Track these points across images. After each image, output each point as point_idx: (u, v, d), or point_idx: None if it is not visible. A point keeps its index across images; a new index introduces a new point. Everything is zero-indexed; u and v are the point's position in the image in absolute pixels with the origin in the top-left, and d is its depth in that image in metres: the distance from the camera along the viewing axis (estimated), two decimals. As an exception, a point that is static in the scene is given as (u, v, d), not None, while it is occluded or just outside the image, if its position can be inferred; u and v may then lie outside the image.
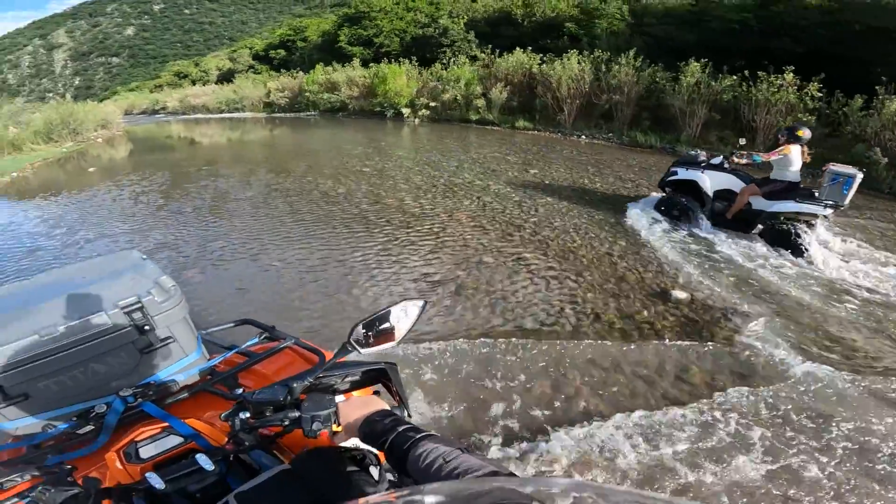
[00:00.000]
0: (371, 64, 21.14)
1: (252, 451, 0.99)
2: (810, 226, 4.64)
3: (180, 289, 1.17)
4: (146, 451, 0.94)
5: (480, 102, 15.99)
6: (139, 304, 1.07)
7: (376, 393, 1.17)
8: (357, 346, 0.95)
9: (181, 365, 1.19)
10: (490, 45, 17.97)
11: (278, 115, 24.54)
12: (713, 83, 11.13)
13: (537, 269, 4.47)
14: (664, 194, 5.74)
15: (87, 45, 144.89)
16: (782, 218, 4.72)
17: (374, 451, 0.90)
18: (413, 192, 7.18)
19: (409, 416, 0.95)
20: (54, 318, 1.01)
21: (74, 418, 1.06)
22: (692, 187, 5.31)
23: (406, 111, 17.90)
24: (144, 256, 1.29)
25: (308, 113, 23.31)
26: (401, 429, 0.73)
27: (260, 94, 26.26)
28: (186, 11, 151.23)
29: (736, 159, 4.99)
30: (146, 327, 1.09)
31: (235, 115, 26.56)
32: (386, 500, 0.38)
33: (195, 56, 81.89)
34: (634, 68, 12.55)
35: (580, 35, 18.20)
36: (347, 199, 6.90)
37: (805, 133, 4.57)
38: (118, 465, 0.92)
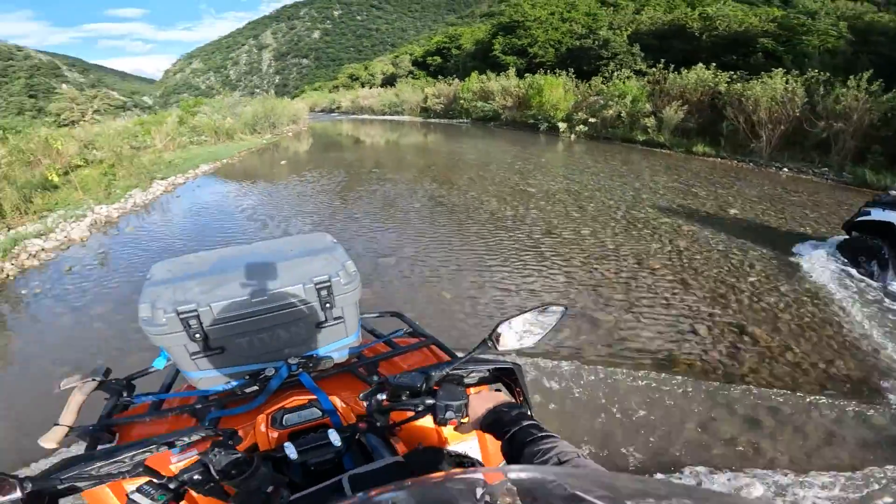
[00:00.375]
0: (526, 74, 20.88)
1: (371, 438, 1.02)
2: None
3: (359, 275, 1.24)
4: (289, 419, 1.00)
5: (649, 122, 14.49)
6: (328, 283, 1.14)
7: (497, 391, 1.18)
8: (496, 344, 0.97)
9: (340, 344, 1.25)
10: (662, 60, 16.43)
11: (433, 119, 26.07)
12: None
13: (768, 351, 3.52)
14: (849, 236, 5.02)
15: (285, 46, 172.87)
16: None
17: (483, 463, 0.96)
18: (589, 224, 6.55)
19: (532, 415, 0.91)
20: (261, 283, 1.11)
21: (247, 376, 1.15)
22: (888, 231, 4.50)
23: (562, 126, 17.24)
24: (335, 240, 1.36)
25: (461, 120, 24.16)
26: (525, 423, 0.74)
27: (418, 98, 28.15)
28: (359, 17, 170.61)
29: None
30: (328, 305, 1.16)
31: (395, 117, 28.93)
32: (475, 474, 0.40)
33: (364, 60, 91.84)
34: (867, 92, 10.11)
35: (780, 52, 15.54)
36: (517, 224, 6.56)
37: None
38: (263, 427, 0.99)
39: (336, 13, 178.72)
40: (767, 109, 11.49)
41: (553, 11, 27.81)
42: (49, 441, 1.03)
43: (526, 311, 0.99)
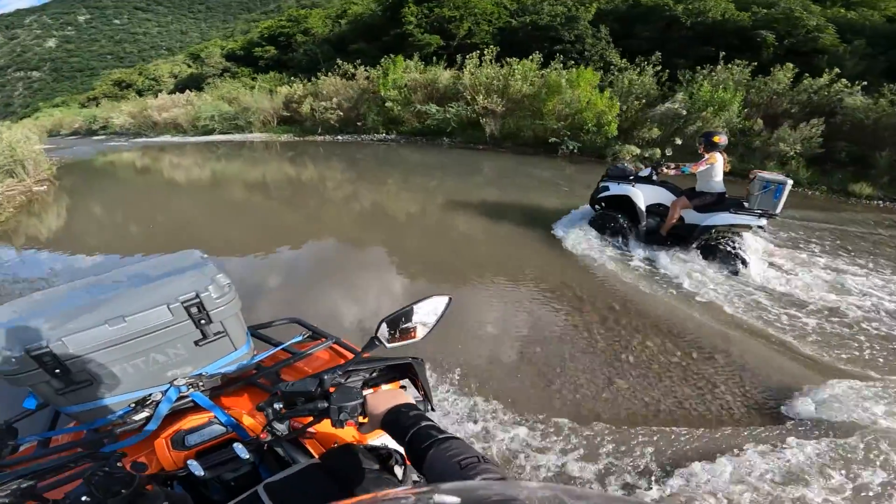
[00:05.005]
0: (505, 60, 12.98)
1: (284, 445, 1.01)
2: (739, 236, 4.44)
3: (234, 286, 1.19)
4: (191, 440, 1.01)
5: (786, 147, 8.52)
6: (197, 300, 1.11)
7: (403, 388, 1.15)
8: (383, 342, 1.00)
9: (230, 358, 1.22)
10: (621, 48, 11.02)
11: (318, 137, 15.57)
12: None
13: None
14: (596, 211, 5.36)
15: (3, 59, 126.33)
16: (714, 232, 4.51)
17: (401, 450, 0.91)
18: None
19: (433, 409, 0.93)
20: (123, 309, 1.06)
21: (132, 405, 1.11)
22: (625, 203, 4.97)
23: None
24: (205, 255, 1.33)
25: (376, 136, 14.65)
26: (423, 424, 0.73)
27: (271, 105, 17.13)
28: (116, 21, 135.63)
29: (665, 170, 4.71)
30: (202, 321, 1.13)
31: (236, 136, 17.23)
32: (405, 496, 0.41)
33: (131, 66, 69.69)
34: None
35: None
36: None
37: (722, 139, 4.39)
38: (165, 451, 1.00)
39: (82, 18, 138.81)
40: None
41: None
42: None
43: (408, 306, 0.99)
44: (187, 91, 22.70)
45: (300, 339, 1.47)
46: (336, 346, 1.41)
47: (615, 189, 4.96)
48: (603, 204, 5.22)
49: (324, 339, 1.42)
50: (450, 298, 1.03)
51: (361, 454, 0.91)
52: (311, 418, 0.90)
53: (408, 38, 18.33)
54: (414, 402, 0.86)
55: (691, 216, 4.60)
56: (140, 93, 37.73)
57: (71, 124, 31.63)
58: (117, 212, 8.26)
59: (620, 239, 5.02)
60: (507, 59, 12.79)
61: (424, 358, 1.14)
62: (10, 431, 1.15)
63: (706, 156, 4.33)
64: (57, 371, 1.01)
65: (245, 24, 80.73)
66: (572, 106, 10.84)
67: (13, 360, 0.98)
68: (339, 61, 16.16)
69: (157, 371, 1.13)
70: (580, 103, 10.72)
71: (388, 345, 1.00)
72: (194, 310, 1.11)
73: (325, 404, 0.86)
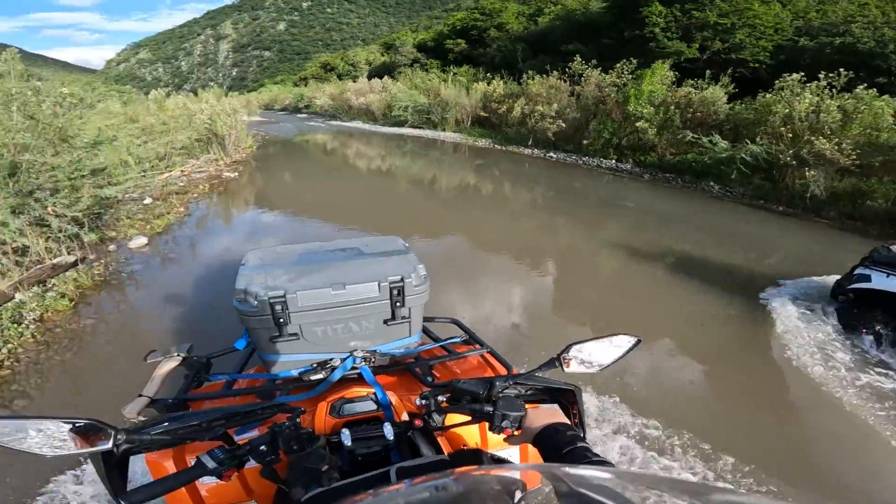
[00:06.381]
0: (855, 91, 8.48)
1: (418, 436, 1.01)
2: None
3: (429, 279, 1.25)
4: (347, 409, 1.04)
5: None
6: (401, 284, 1.21)
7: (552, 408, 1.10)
8: (563, 365, 1.00)
9: (403, 343, 1.32)
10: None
11: (520, 150, 12.78)
12: None
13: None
14: (840, 301, 4.04)
15: (246, 37, 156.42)
16: None
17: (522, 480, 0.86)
18: None
19: (585, 438, 0.80)
20: (344, 277, 1.20)
21: (314, 364, 1.24)
22: (888, 300, 3.60)
23: None
24: (407, 244, 1.45)
25: (604, 162, 11.18)
26: (579, 445, 0.73)
27: (469, 102, 15.02)
28: (329, 10, 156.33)
29: None
30: (398, 304, 1.22)
31: (427, 132, 15.71)
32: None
33: (334, 53, 78.33)
34: None
35: None
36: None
37: None
38: (323, 414, 1.04)
39: (305, 4, 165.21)
40: None
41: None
42: (131, 410, 1.09)
43: (599, 337, 0.99)
44: (386, 77, 22.45)
45: (458, 340, 1.51)
46: (488, 356, 1.43)
47: (881, 283, 3.66)
48: (852, 296, 3.90)
49: (478, 346, 1.46)
50: (638, 339, 1.00)
51: (488, 461, 0.92)
52: (467, 417, 0.91)
53: (648, 42, 14.37)
54: (571, 424, 0.85)
55: None
56: (340, 76, 41.10)
57: (283, 101, 35.51)
58: (295, 206, 6.78)
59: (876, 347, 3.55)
60: (856, 91, 8.20)
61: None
62: (207, 366, 1.35)
63: None
64: (281, 320, 1.13)
65: (428, 20, 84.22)
66: None
67: (256, 302, 1.11)
68: (548, 63, 13.25)
69: (346, 339, 1.24)
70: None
71: (565, 369, 1.00)
72: (395, 292, 1.20)
73: (490, 409, 0.86)
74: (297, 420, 0.84)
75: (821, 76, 8.43)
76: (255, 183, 8.74)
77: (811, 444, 2.52)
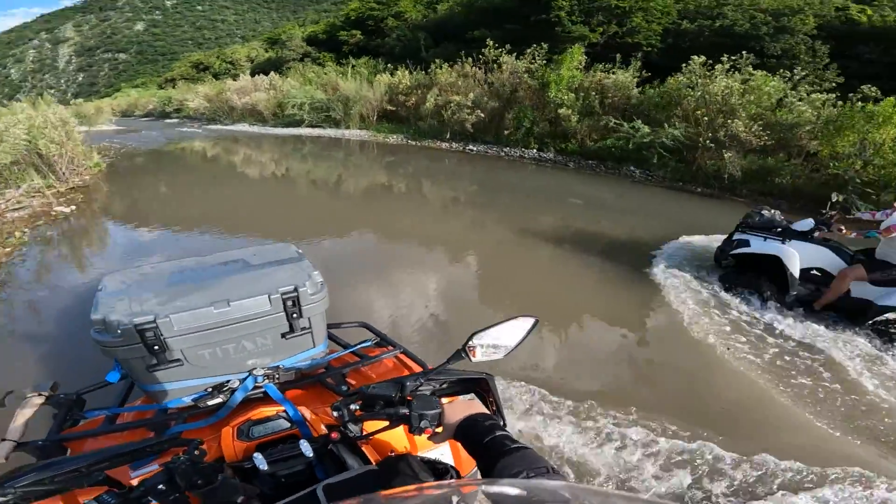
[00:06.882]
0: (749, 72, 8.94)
1: (341, 447, 0.97)
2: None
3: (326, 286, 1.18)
4: (256, 431, 0.98)
5: None
6: (295, 293, 1.11)
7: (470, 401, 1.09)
8: (469, 354, 0.97)
9: (308, 354, 1.23)
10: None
11: (437, 144, 11.70)
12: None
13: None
14: (725, 269, 4.33)
15: (94, 39, 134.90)
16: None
17: (455, 468, 0.96)
18: None
19: (505, 424, 0.86)
20: (228, 293, 1.07)
21: (209, 389, 1.12)
22: (767, 263, 3.89)
23: None
24: (300, 251, 1.35)
25: (526, 152, 10.68)
26: (498, 434, 0.73)
27: (374, 95, 13.57)
28: (199, 8, 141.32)
29: (840, 231, 3.75)
30: (294, 315, 1.13)
31: (329, 131, 13.82)
32: (448, 486, 0.39)
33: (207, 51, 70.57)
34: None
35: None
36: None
37: None
38: (230, 440, 0.96)
39: (169, 3, 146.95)
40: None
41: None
42: None
43: (498, 323, 0.97)
44: (272, 73, 19.78)
45: (369, 343, 1.46)
46: (402, 356, 1.40)
47: (759, 246, 3.96)
48: (733, 261, 4.24)
49: (391, 348, 1.42)
50: (536, 319, 1.00)
51: (419, 466, 0.88)
52: (385, 422, 0.88)
53: (554, 27, 14.18)
54: (489, 413, 0.85)
55: (863, 289, 3.55)
56: (216, 76, 36.42)
57: (145, 105, 30.51)
58: (170, 225, 5.32)
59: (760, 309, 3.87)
60: (752, 72, 8.57)
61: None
62: (79, 403, 1.17)
63: None
64: (156, 347, 1.01)
65: (315, 14, 79.90)
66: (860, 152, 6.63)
67: (119, 331, 0.98)
68: (454, 51, 12.39)
69: (241, 358, 1.13)
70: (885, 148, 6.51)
71: (472, 358, 0.97)
72: (290, 303, 1.11)
73: (406, 411, 0.82)
74: (196, 452, 0.75)
75: (724, 59, 8.67)
76: (105, 211, 6.43)
77: (684, 379, 2.84)
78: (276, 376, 1.16)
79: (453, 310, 3.60)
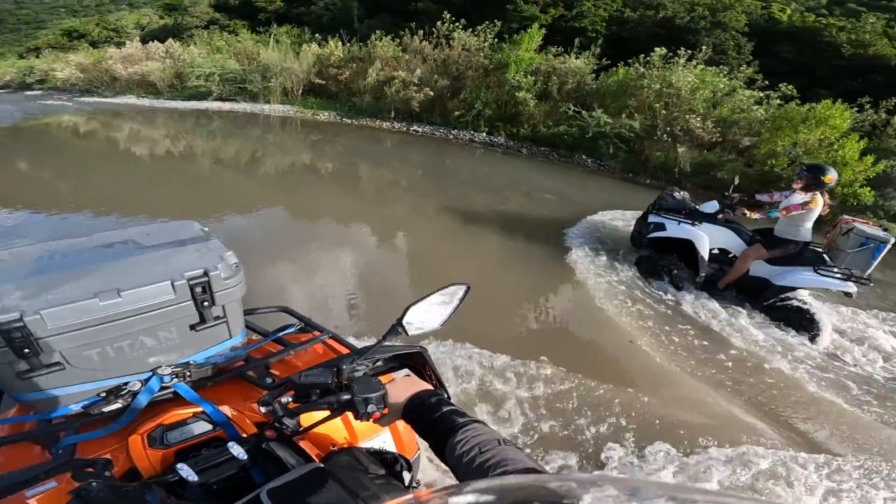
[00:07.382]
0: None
1: (277, 446, 0.85)
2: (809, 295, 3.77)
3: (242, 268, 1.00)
4: (172, 437, 0.86)
5: None
6: (205, 278, 0.92)
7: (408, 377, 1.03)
8: (405, 329, 0.92)
9: (223, 347, 1.04)
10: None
11: (378, 123, 10.29)
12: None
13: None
14: (641, 252, 4.49)
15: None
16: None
17: (405, 456, 0.90)
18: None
19: (449, 396, 0.79)
20: (117, 281, 0.86)
21: (102, 394, 0.92)
22: (678, 245, 4.08)
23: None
24: (206, 229, 1.12)
25: (476, 136, 9.84)
26: (445, 409, 0.70)
27: (301, 68, 11.68)
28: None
29: (744, 213, 3.82)
30: (205, 303, 0.95)
31: (245, 105, 11.60)
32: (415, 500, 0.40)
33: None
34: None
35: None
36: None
37: (832, 177, 3.46)
38: (141, 449, 0.83)
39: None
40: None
41: None
42: None
43: (432, 294, 0.93)
44: (169, 40, 16.51)
45: (292, 330, 1.33)
46: (331, 341, 1.27)
47: (674, 230, 4.08)
48: (648, 244, 4.35)
49: (317, 333, 1.29)
50: (467, 286, 0.96)
51: (366, 458, 0.85)
52: (325, 413, 0.78)
53: (505, 4, 13.22)
54: (434, 389, 0.79)
55: (761, 268, 3.76)
56: (94, 45, 30.65)
57: (1, 77, 24.62)
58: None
59: (671, 288, 4.07)
60: (706, 67, 8.50)
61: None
62: None
63: (805, 196, 3.44)
64: (26, 351, 0.80)
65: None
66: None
67: None
68: (394, 23, 11.02)
69: (140, 357, 0.93)
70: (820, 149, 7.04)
71: (410, 333, 0.92)
72: (199, 289, 0.92)
73: (348, 396, 0.75)
74: (107, 473, 0.67)
75: (681, 52, 8.50)
76: None
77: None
78: (188, 374, 0.96)
79: (379, 291, 3.48)
